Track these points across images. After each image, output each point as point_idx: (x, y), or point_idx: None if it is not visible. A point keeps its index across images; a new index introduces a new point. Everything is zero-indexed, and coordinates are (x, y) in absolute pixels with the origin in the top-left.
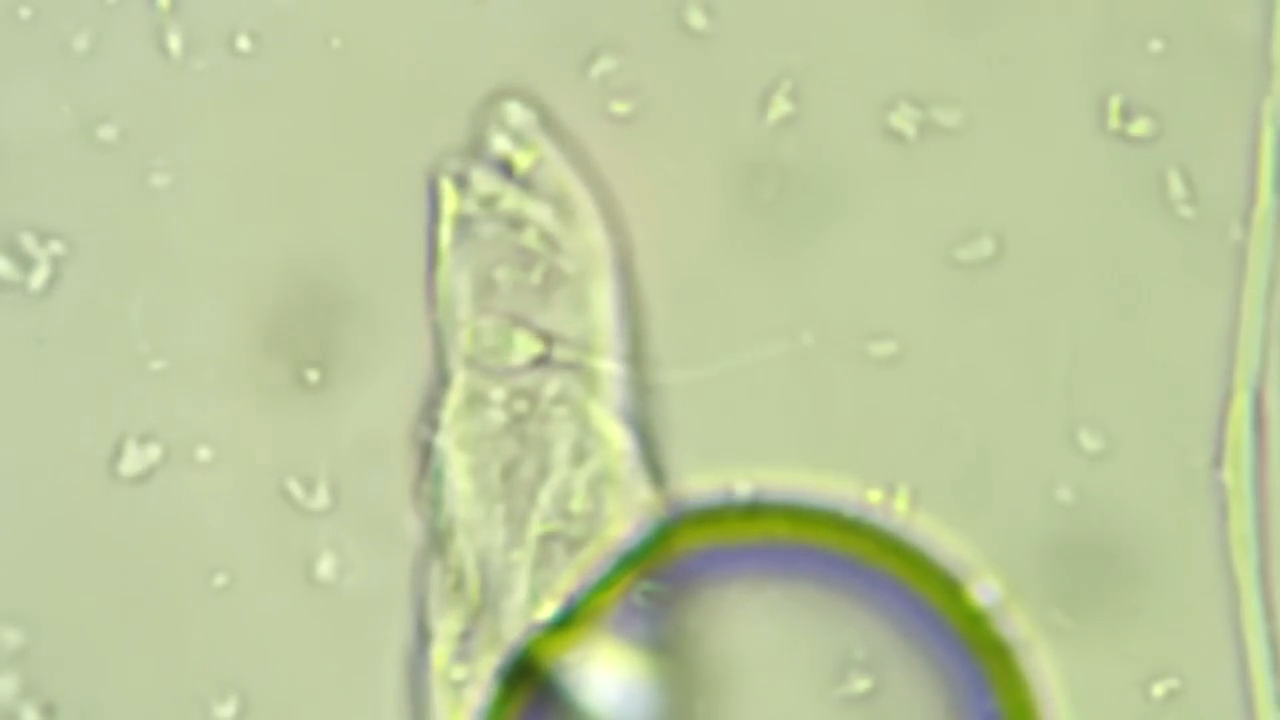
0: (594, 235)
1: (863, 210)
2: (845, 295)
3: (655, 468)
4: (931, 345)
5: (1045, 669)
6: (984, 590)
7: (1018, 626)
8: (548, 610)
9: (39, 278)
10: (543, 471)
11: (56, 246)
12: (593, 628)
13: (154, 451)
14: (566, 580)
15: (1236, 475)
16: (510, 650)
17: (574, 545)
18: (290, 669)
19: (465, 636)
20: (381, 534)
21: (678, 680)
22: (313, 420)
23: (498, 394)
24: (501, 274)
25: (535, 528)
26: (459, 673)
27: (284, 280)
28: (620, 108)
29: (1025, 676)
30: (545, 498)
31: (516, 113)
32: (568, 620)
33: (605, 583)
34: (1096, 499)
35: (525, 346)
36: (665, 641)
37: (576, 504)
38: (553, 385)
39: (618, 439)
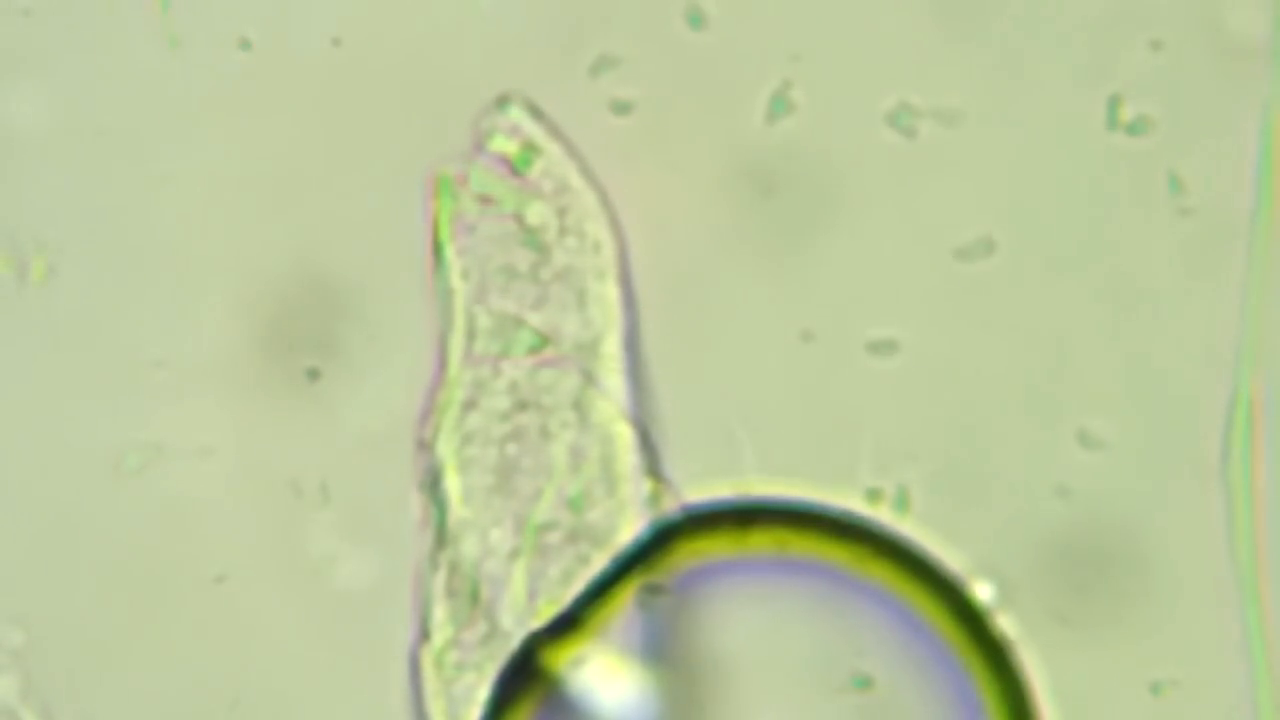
0: (595, 233)
1: (863, 210)
2: (845, 295)
3: (655, 467)
4: (932, 345)
5: (1044, 669)
6: (982, 591)
7: (1017, 626)
8: (548, 614)
9: (38, 277)
10: (542, 470)
11: (56, 246)
12: (593, 632)
13: (154, 451)
14: (566, 584)
15: (1238, 474)
16: (510, 654)
17: (574, 545)
18: (290, 667)
19: (464, 635)
20: (381, 533)
21: (676, 684)
22: (313, 419)
23: (499, 389)
24: (502, 272)
25: (535, 526)
26: (458, 672)
27: (284, 279)
28: (620, 108)
29: (1025, 676)
30: (545, 496)
31: (517, 112)
32: (568, 625)
33: (606, 586)
34: (1097, 498)
35: (526, 343)
36: (664, 645)
37: (576, 503)
38: (553, 382)
39: (618, 437)
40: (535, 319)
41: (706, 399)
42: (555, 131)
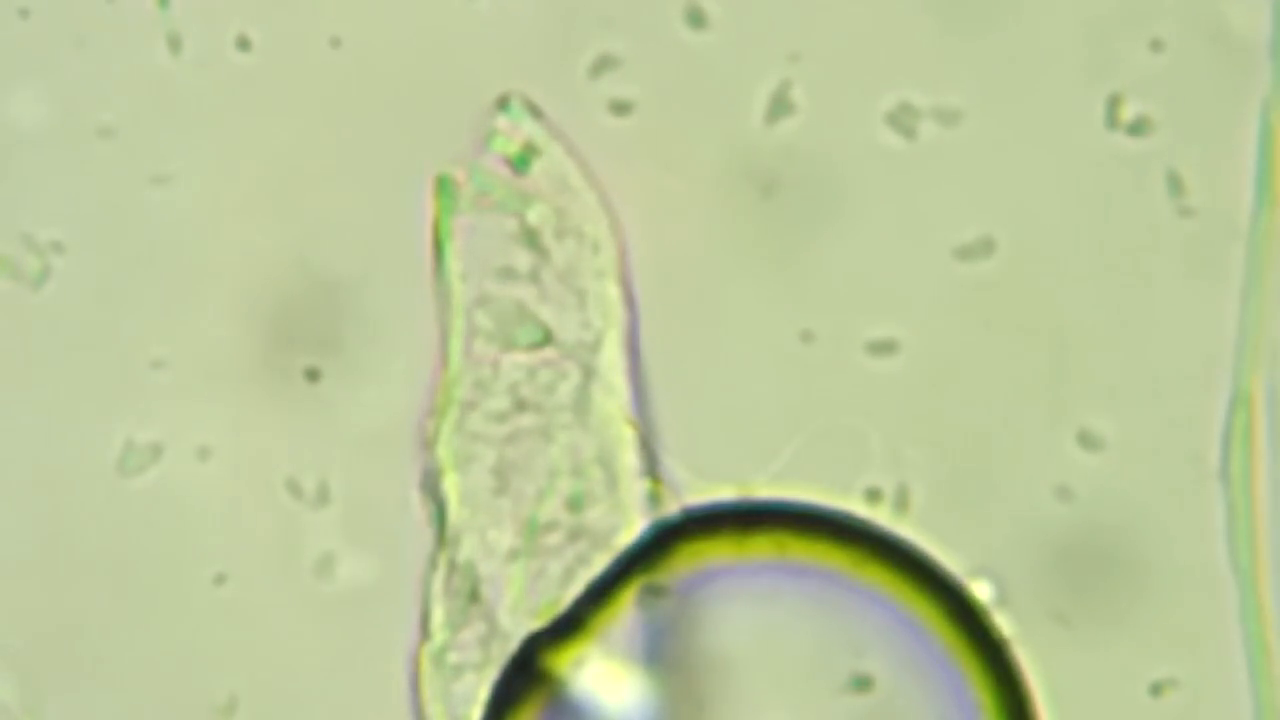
0: (596, 232)
1: (863, 210)
2: (845, 295)
3: (655, 468)
4: (932, 345)
5: (1044, 669)
6: (982, 591)
7: (1016, 626)
8: (548, 616)
9: (39, 277)
10: (542, 471)
11: (56, 246)
12: (594, 634)
13: (154, 451)
14: (567, 585)
15: (1238, 474)
16: (510, 656)
17: (574, 545)
18: (290, 668)
19: (464, 636)
20: (382, 533)
21: (677, 687)
22: (314, 419)
23: (499, 390)
24: (503, 271)
25: (535, 527)
26: (458, 673)
27: (284, 279)
28: (620, 108)
29: (1024, 677)
30: (545, 497)
31: (517, 111)
32: (568, 626)
33: (607, 588)
34: (1097, 499)
35: (527, 342)
36: (665, 647)
37: (576, 504)
38: (554, 381)
39: (618, 438)
40: (538, 316)
41: (706, 400)
42: (555, 131)
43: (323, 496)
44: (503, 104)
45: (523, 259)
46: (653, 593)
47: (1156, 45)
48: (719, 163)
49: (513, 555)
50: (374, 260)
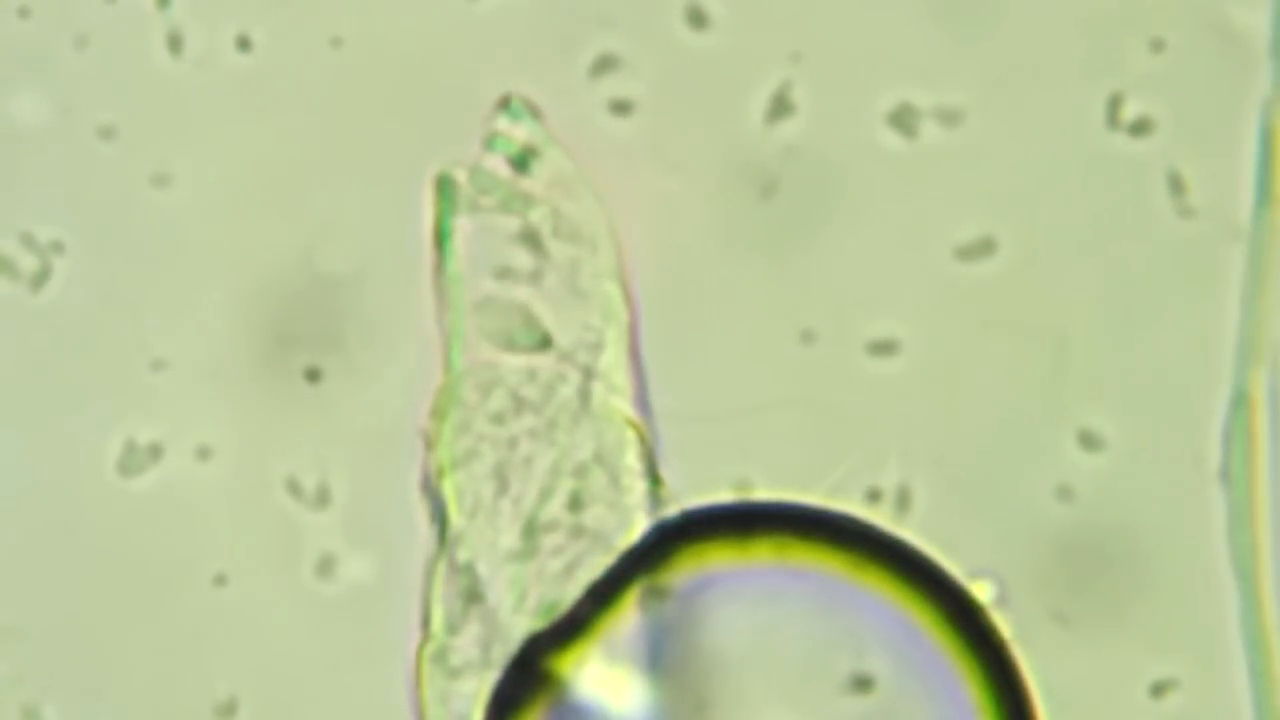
0: (594, 233)
1: (863, 210)
2: (845, 296)
3: (655, 470)
4: (932, 346)
5: (1043, 670)
6: (983, 593)
7: (1016, 627)
8: (548, 618)
9: (39, 277)
10: (543, 472)
11: (56, 246)
12: (595, 636)
13: (154, 451)
14: (567, 586)
15: (1238, 474)
16: (511, 658)
17: (574, 547)
18: (290, 668)
19: (465, 637)
20: (382, 533)
21: (678, 689)
22: (314, 419)
23: (501, 389)
24: (504, 270)
25: (535, 528)
26: (459, 674)
27: (284, 280)
28: (620, 108)
29: (1024, 678)
30: (545, 498)
31: (518, 112)
32: (569, 629)
33: (608, 590)
34: (1097, 499)
35: (529, 341)
36: (666, 650)
37: (576, 505)
38: (556, 380)
39: (618, 439)
40: (539, 316)
41: (706, 400)
42: (555, 132)
43: (323, 496)
44: (503, 104)
45: (523, 259)
46: (654, 594)
47: (1157, 45)
48: (719, 163)
49: (513, 556)
50: (374, 260)
